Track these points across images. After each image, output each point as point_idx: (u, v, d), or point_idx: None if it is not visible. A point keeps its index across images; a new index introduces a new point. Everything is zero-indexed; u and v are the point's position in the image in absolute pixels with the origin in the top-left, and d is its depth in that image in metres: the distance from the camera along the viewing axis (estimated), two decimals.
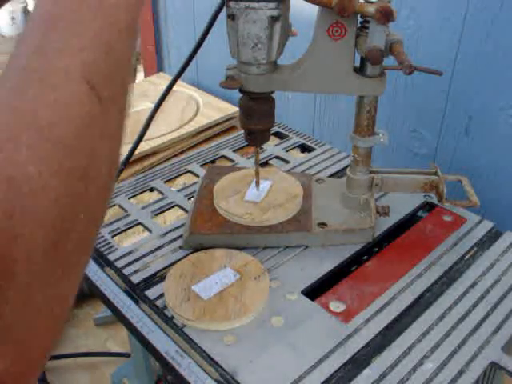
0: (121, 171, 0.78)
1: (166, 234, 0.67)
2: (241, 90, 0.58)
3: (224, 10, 0.54)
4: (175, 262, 0.61)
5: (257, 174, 0.67)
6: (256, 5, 0.51)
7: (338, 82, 0.58)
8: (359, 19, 0.56)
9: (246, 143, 0.88)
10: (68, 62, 0.26)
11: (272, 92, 0.59)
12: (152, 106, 0.72)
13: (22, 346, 0.24)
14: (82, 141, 0.26)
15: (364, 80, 0.58)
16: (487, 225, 0.67)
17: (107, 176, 0.28)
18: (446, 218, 0.68)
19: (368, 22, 0.54)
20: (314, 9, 0.55)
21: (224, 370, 0.49)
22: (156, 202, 0.75)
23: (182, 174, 0.82)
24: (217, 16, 0.62)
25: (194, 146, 1.28)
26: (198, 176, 0.80)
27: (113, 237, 0.68)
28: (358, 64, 0.59)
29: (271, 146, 0.87)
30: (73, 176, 0.25)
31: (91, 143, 0.27)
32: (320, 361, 0.49)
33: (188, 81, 1.53)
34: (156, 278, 0.60)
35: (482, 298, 0.57)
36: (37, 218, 0.23)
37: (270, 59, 0.55)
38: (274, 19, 0.52)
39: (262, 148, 0.86)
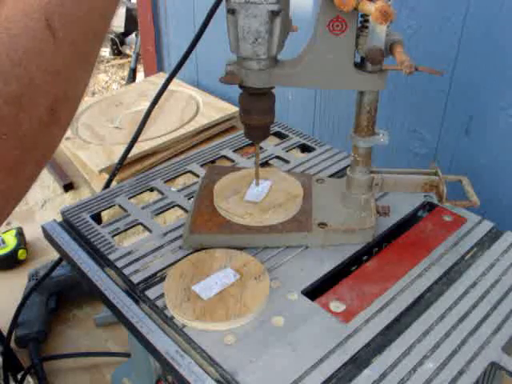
0: (117, 169, 0.78)
1: (166, 233, 0.67)
2: (241, 86, 0.58)
3: (224, 6, 0.54)
4: (175, 262, 0.61)
5: (257, 171, 0.67)
6: None
7: (338, 76, 0.58)
8: (359, 18, 0.56)
9: (246, 143, 0.89)
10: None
11: (272, 87, 0.59)
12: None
13: None
14: (21, 70, 0.28)
15: (365, 75, 0.58)
16: (487, 225, 0.67)
17: (45, 109, 0.30)
18: (446, 218, 0.68)
19: (368, 21, 0.55)
20: (315, 4, 0.55)
21: (224, 370, 0.49)
22: (156, 202, 0.75)
23: (182, 174, 0.82)
24: (215, 10, 0.62)
25: (194, 146, 1.29)
26: (198, 176, 0.80)
27: (113, 237, 0.68)
28: (358, 59, 0.59)
29: (271, 146, 0.87)
30: (1, 99, 0.28)
31: (31, 74, 0.29)
32: (320, 361, 0.49)
33: (188, 81, 1.53)
34: (156, 278, 0.60)
35: (482, 298, 0.57)
36: None
37: (271, 54, 0.55)
38: (274, 14, 0.52)
39: (261, 148, 0.86)
